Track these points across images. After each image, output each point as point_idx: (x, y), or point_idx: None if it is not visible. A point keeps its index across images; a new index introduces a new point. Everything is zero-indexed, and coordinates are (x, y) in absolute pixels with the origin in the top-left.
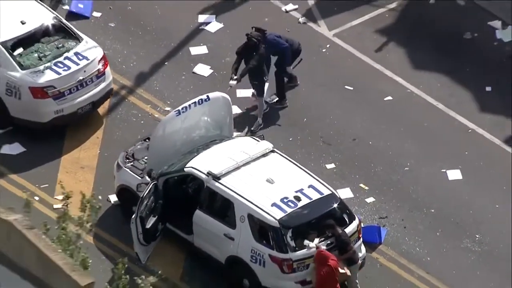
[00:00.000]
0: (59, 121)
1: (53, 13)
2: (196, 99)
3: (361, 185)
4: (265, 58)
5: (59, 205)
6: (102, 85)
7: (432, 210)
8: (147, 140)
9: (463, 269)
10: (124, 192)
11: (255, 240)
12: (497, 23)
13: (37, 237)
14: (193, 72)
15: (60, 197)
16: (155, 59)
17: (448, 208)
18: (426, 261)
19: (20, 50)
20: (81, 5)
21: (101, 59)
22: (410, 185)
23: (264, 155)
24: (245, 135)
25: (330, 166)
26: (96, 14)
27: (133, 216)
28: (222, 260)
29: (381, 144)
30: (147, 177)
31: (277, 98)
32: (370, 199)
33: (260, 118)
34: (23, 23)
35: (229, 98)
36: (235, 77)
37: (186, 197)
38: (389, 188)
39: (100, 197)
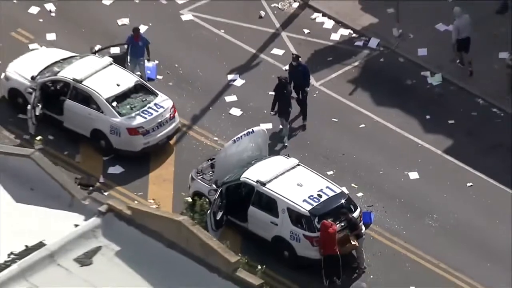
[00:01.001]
0: (146, 150)
1: (136, 76)
2: (245, 132)
3: (352, 184)
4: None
5: (153, 206)
6: (173, 125)
7: (402, 200)
8: (209, 160)
9: (428, 238)
10: (197, 196)
11: (292, 224)
12: (426, 73)
13: (198, 230)
14: (229, 114)
15: (151, 200)
16: (202, 105)
17: (412, 198)
18: (403, 234)
19: (115, 103)
20: (149, 71)
21: (171, 107)
22: (385, 183)
23: (293, 168)
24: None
25: (330, 172)
26: (159, 76)
27: (208, 212)
28: (269, 239)
29: (362, 157)
30: (214, 185)
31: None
32: (360, 194)
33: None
34: (118, 85)
35: (266, 130)
36: (272, 113)
37: (242, 197)
38: (371, 186)
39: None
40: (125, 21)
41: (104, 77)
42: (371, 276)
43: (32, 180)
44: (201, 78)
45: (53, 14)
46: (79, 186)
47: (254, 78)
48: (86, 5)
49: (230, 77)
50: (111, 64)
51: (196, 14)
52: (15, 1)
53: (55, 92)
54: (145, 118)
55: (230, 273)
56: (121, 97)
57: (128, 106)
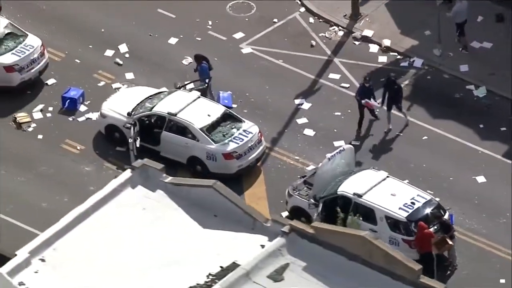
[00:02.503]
0: (240, 171)
1: (223, 107)
2: (338, 150)
3: (428, 191)
4: None
5: None
6: (261, 148)
7: (475, 202)
8: (302, 177)
9: (507, 234)
10: (296, 211)
11: (391, 231)
12: (471, 86)
13: (380, 243)
14: (304, 134)
15: None
16: (278, 129)
17: (484, 199)
18: (483, 232)
19: (209, 131)
20: (226, 100)
21: (259, 132)
22: (456, 188)
23: (384, 179)
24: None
25: (405, 181)
26: (234, 105)
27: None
28: None
29: (431, 166)
30: (312, 200)
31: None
32: (437, 199)
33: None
34: (209, 115)
35: (353, 147)
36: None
37: (339, 207)
38: (445, 191)
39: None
40: (190, 59)
41: (195, 109)
42: (464, 272)
43: (215, 207)
44: (271, 104)
45: (127, 55)
46: None
47: (318, 101)
48: (154, 45)
49: (297, 101)
50: (199, 97)
51: (254, 47)
52: (90, 46)
53: (151, 125)
54: (238, 143)
55: (414, 280)
56: (213, 126)
57: (220, 134)
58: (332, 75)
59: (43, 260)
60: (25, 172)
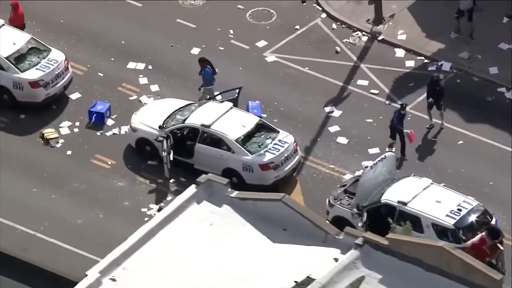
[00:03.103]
0: (277, 182)
1: (256, 117)
2: (380, 158)
3: (469, 197)
4: None
5: None
6: (297, 158)
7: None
8: (342, 187)
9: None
10: (338, 221)
11: (438, 238)
12: (502, 89)
13: (459, 253)
14: (337, 142)
15: None
16: (310, 137)
17: None
18: None
19: (244, 142)
20: (255, 110)
21: (294, 141)
22: (497, 192)
23: (428, 186)
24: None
25: None
26: (264, 115)
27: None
28: None
29: (468, 171)
30: (355, 209)
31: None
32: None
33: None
34: (243, 126)
35: (394, 155)
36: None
37: (383, 218)
38: (486, 196)
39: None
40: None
41: (229, 120)
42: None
43: (284, 221)
44: (301, 113)
45: (150, 67)
46: None
47: (349, 108)
48: (177, 56)
49: (327, 109)
50: (232, 108)
51: (279, 55)
52: (112, 58)
53: (183, 138)
54: (274, 154)
55: None
56: (248, 137)
57: (256, 144)
58: (360, 82)
59: (113, 280)
60: (57, 188)
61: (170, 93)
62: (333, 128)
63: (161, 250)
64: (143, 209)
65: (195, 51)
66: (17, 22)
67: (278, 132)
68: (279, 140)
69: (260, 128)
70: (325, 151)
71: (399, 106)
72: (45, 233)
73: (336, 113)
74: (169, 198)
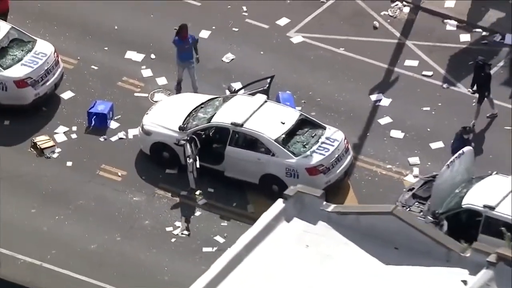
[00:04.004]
0: (328, 188)
1: (297, 111)
2: (457, 154)
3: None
4: None
5: None
6: (349, 158)
7: None
8: (410, 191)
9: None
10: None
11: None
12: None
13: None
14: (391, 137)
15: None
16: (357, 132)
17: None
18: None
19: (286, 142)
20: (287, 102)
21: (344, 138)
22: None
23: None
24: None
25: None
26: (298, 107)
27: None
28: None
29: None
30: (430, 217)
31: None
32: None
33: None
34: (282, 122)
35: (472, 150)
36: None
37: (466, 226)
38: None
39: None
40: (230, 56)
41: (265, 116)
42: None
43: (395, 238)
44: (342, 103)
45: (153, 56)
46: None
47: (399, 94)
48: None
49: (373, 97)
50: (266, 101)
51: (306, 35)
52: (106, 48)
53: (209, 140)
54: (323, 154)
55: None
56: (289, 136)
57: (299, 144)
58: (408, 62)
59: None
60: (60, 208)
61: (181, 86)
62: (384, 120)
63: (251, 279)
64: (168, 228)
65: (205, 34)
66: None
67: (325, 128)
68: (327, 138)
69: (303, 124)
70: (378, 148)
71: (461, 129)
72: (53, 262)
73: (385, 101)
74: (197, 213)
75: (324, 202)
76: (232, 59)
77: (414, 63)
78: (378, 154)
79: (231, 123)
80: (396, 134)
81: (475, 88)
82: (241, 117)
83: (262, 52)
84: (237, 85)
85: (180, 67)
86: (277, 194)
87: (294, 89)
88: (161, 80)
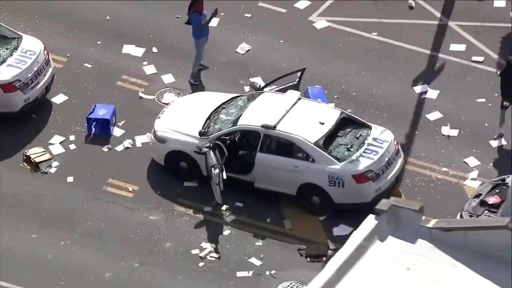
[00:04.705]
0: (379, 197)
1: (337, 109)
2: None
3: None
4: None
5: None
6: (400, 161)
7: None
8: (476, 197)
9: None
10: None
11: None
12: None
13: None
14: (443, 135)
15: None
16: (404, 130)
17: None
18: None
19: (327, 146)
20: (318, 99)
21: (394, 139)
22: None
23: None
24: None
25: None
26: (330, 104)
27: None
28: None
29: None
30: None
31: None
32: None
33: None
34: (321, 123)
35: None
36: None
37: None
38: None
39: None
40: (246, 46)
41: (300, 116)
42: None
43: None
44: (382, 97)
45: (154, 50)
46: (307, 259)
47: (447, 85)
48: (188, 31)
49: (417, 89)
50: (300, 98)
51: (331, 19)
52: (98, 42)
53: (236, 147)
54: (372, 158)
55: None
56: (330, 138)
57: (343, 148)
58: (454, 46)
59: None
60: (65, 232)
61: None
62: (433, 115)
63: None
64: (194, 251)
65: (213, 22)
66: None
67: (371, 127)
68: (375, 139)
69: (345, 123)
70: (430, 148)
71: None
72: None
73: (432, 93)
74: (226, 232)
75: (424, 217)
76: (248, 50)
77: (461, 47)
78: (430, 156)
79: (262, 126)
80: (449, 131)
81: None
82: (273, 118)
83: (281, 41)
84: (257, 81)
85: (201, 45)
86: (317, 207)
87: (324, 83)
88: (167, 78)
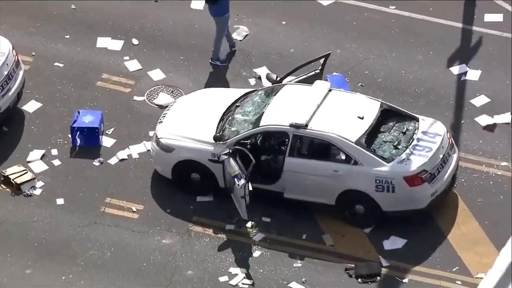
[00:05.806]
0: (434, 202)
1: (376, 100)
2: None
3: None
4: None
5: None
6: (455, 157)
7: None
8: None
9: None
10: None
11: None
12: None
13: None
14: (494, 123)
15: (481, 274)
16: (446, 119)
17: None
18: None
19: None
20: (341, 89)
21: (447, 132)
22: None
23: None
24: None
25: None
26: (355, 93)
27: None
28: None
29: None
30: None
31: None
32: None
33: None
34: (361, 117)
35: None
36: None
37: None
38: None
39: None
40: (243, 31)
41: (334, 111)
42: None
43: None
44: (414, 82)
45: (134, 42)
46: (358, 280)
47: (489, 63)
48: (171, 17)
49: (454, 70)
50: (330, 90)
51: None
52: (67, 36)
53: (257, 152)
54: (425, 156)
55: None
56: (372, 135)
57: (389, 145)
58: (489, 17)
59: None
60: (65, 264)
61: (184, 78)
62: (479, 100)
63: None
64: (222, 278)
65: (197, 5)
66: None
67: (418, 119)
68: (424, 133)
69: (388, 116)
70: (482, 139)
71: None
72: None
73: (472, 74)
74: (256, 253)
75: None
76: (246, 35)
77: (498, 17)
78: (483, 148)
79: (291, 125)
80: (501, 118)
81: None
82: (303, 115)
83: (284, 22)
84: (262, 70)
85: (226, 22)
86: (362, 217)
87: (343, 70)
88: (156, 74)
